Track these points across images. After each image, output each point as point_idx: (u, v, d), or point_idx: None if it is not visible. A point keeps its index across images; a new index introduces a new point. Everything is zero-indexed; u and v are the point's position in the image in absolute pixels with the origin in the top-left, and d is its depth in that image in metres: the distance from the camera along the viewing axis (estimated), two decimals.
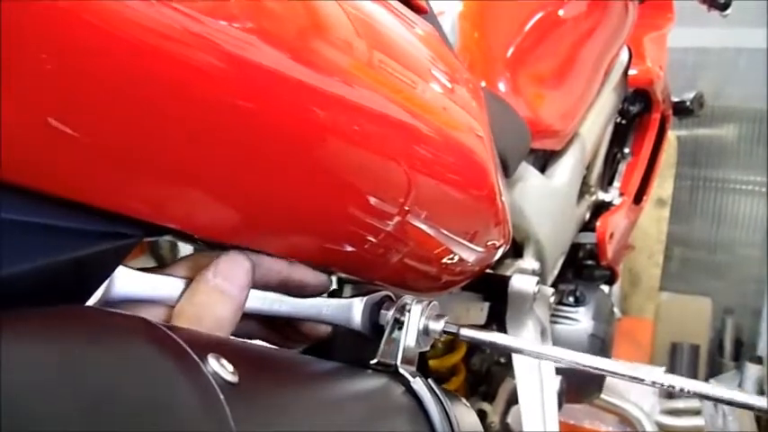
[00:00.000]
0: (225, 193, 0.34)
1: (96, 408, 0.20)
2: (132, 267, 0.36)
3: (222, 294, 0.37)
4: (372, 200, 0.40)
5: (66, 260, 0.30)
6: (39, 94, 0.25)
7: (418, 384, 0.41)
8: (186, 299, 0.37)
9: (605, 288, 1.43)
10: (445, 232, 0.48)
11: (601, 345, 1.15)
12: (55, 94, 0.26)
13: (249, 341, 0.38)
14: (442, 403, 0.41)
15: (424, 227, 0.46)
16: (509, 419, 0.85)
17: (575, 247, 1.34)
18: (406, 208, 0.43)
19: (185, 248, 0.46)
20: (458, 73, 0.47)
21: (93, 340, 0.23)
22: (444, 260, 0.53)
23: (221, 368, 0.26)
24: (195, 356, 0.25)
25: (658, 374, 0.45)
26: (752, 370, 2.76)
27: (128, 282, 0.36)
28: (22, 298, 0.28)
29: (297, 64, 0.32)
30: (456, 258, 0.52)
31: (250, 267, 0.39)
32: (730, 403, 0.43)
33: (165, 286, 0.38)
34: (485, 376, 1.07)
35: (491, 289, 0.76)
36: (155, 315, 0.37)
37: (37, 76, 0.25)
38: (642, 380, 0.44)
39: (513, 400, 1.00)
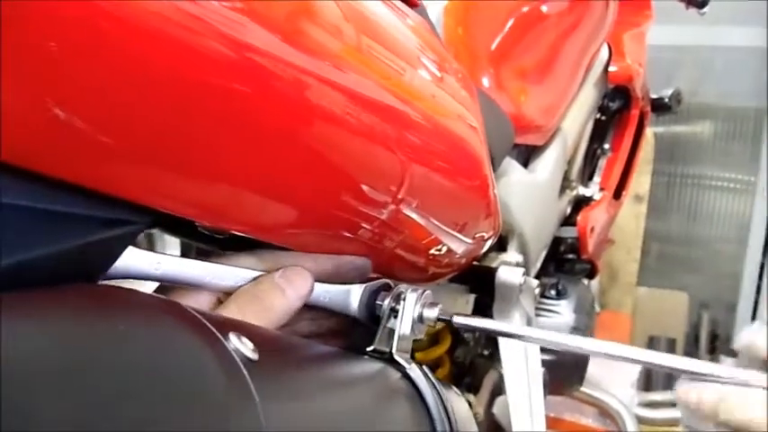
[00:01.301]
0: (220, 179, 0.35)
1: (121, 383, 0.21)
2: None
3: (282, 293, 0.41)
4: (365, 187, 0.41)
5: (70, 247, 0.30)
6: (43, 79, 0.26)
7: (415, 371, 0.42)
8: (250, 284, 0.42)
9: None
10: (437, 223, 0.49)
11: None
12: (59, 78, 0.26)
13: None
14: (437, 390, 0.42)
15: (416, 216, 0.46)
16: (494, 410, 0.86)
17: (556, 241, 1.36)
18: (400, 197, 0.44)
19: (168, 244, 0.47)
20: (448, 64, 0.48)
21: (117, 317, 0.24)
22: (434, 251, 0.54)
23: (243, 345, 0.27)
24: (218, 333, 0.26)
25: (649, 354, 0.46)
26: (727, 363, 2.81)
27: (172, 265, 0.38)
28: (27, 286, 0.28)
29: (288, 47, 0.32)
30: (446, 249, 0.53)
31: (312, 284, 0.43)
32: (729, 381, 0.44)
33: (216, 272, 0.41)
34: (469, 368, 1.08)
35: (477, 281, 0.77)
36: (201, 301, 0.41)
37: (40, 60, 0.25)
38: (637, 360, 0.44)
39: (497, 391, 1.01)
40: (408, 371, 0.43)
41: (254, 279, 0.42)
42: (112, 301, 0.25)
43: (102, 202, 0.31)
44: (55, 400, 0.18)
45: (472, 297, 0.79)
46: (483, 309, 0.85)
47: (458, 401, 0.46)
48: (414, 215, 0.46)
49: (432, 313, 0.45)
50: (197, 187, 0.34)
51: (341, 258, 0.46)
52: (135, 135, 0.29)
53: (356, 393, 0.36)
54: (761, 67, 2.74)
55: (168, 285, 0.41)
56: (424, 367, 0.44)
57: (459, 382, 1.07)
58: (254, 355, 0.27)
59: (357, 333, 0.48)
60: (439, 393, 0.42)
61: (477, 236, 0.55)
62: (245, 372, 0.25)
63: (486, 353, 1.11)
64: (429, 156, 0.44)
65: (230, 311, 0.40)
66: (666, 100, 1.79)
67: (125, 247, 0.35)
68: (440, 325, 0.47)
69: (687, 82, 2.73)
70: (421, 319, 0.45)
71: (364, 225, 0.44)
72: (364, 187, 0.41)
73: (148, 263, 0.37)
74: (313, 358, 0.36)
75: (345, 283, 0.46)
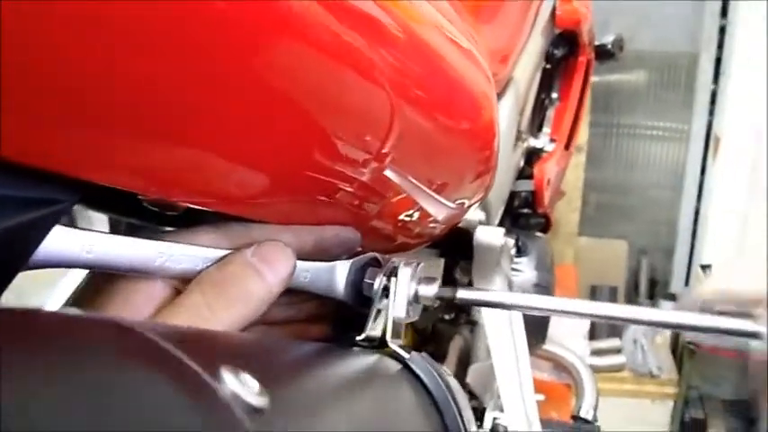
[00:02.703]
0: (167, 137, 0.27)
1: None
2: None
3: (258, 274, 0.33)
4: (345, 136, 0.33)
5: None
6: None
7: (417, 362, 0.35)
8: (215, 266, 0.33)
9: None
10: (426, 180, 0.41)
11: (545, 294, 1.12)
12: None
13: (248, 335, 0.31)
14: (441, 379, 0.36)
15: (402, 173, 0.39)
16: (468, 379, 0.81)
17: (510, 196, 1.31)
18: (384, 150, 0.35)
19: None
20: None
21: (53, 363, 0.16)
22: (414, 216, 0.47)
23: (243, 387, 0.18)
24: (203, 374, 0.17)
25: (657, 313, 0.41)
26: (666, 307, 2.88)
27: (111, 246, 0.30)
28: None
29: None
30: (430, 214, 0.46)
31: (294, 262, 0.35)
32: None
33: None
34: (431, 335, 1.03)
35: (447, 243, 0.71)
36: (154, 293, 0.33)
37: None
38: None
39: (463, 358, 0.96)
40: (409, 362, 0.36)
41: (221, 259, 0.33)
42: (24, 336, 0.17)
43: (16, 177, 0.23)
44: None
45: (442, 261, 0.73)
46: (451, 273, 0.79)
47: (453, 383, 0.40)
48: (399, 173, 0.38)
49: (429, 290, 0.38)
50: (138, 149, 0.26)
51: (323, 230, 0.38)
52: (53, 82, 0.21)
53: (368, 405, 0.29)
54: (696, 13, 2.76)
55: (105, 273, 0.32)
56: (425, 355, 0.37)
57: (424, 350, 1.02)
58: (260, 401, 0.18)
59: (339, 317, 0.40)
60: (445, 383, 0.36)
61: (468, 197, 0.48)
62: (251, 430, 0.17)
63: (447, 317, 1.05)
64: (425, 88, 0.35)
65: (194, 303, 0.32)
66: (609, 46, 1.75)
67: (47, 232, 0.27)
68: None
69: (623, 29, 2.72)
70: (416, 298, 0.38)
71: (344, 187, 0.36)
72: (344, 135, 0.33)
73: (78, 244, 0.29)
74: (317, 370, 0.28)
75: (327, 260, 0.38)
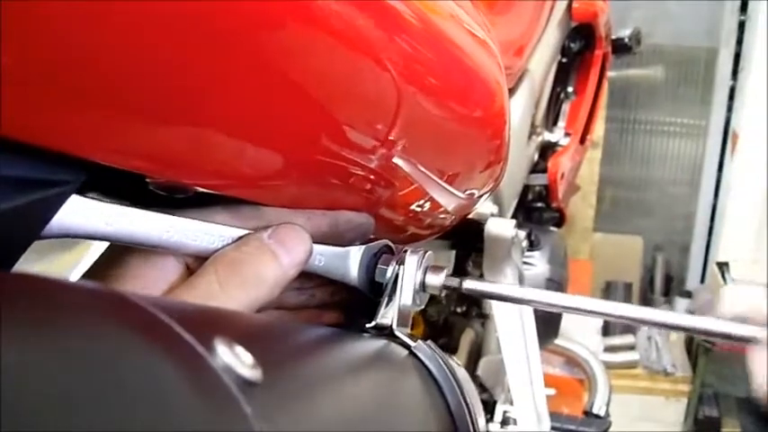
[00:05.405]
0: (175, 117, 0.26)
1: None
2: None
3: (273, 256, 0.33)
4: (349, 119, 0.32)
5: None
6: None
7: (422, 350, 0.36)
8: (231, 246, 0.33)
9: None
10: (432, 171, 0.41)
11: (557, 289, 1.12)
12: None
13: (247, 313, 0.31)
14: (448, 368, 0.35)
15: (409, 163, 0.38)
16: (479, 372, 0.81)
17: (524, 190, 1.31)
18: (391, 137, 0.35)
19: None
20: None
21: (43, 328, 0.16)
22: (424, 205, 0.47)
23: (236, 360, 0.18)
24: (197, 345, 0.17)
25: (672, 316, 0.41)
26: (681, 304, 2.86)
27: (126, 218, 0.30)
28: None
29: None
30: (441, 204, 0.46)
31: (310, 248, 0.35)
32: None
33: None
34: (443, 327, 1.03)
35: (458, 235, 0.71)
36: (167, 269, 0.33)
37: None
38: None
39: (475, 350, 0.96)
40: (415, 350, 0.36)
41: (237, 240, 0.33)
42: (17, 300, 0.16)
43: (18, 158, 0.23)
44: None
45: (453, 254, 0.73)
46: (463, 265, 0.79)
47: (459, 372, 0.40)
48: (407, 161, 0.38)
49: (436, 279, 0.38)
50: (151, 130, 0.26)
51: (337, 214, 0.38)
52: (58, 58, 0.21)
53: (371, 390, 0.29)
54: (715, 8, 2.73)
55: (120, 247, 0.33)
56: (431, 343, 0.37)
57: (435, 342, 1.01)
58: (253, 374, 0.18)
59: (352, 304, 0.40)
60: (451, 372, 0.36)
61: (478, 187, 0.47)
62: (244, 404, 0.17)
63: (459, 310, 1.05)
64: (433, 74, 0.35)
65: (208, 282, 0.32)
66: (626, 40, 1.74)
67: (52, 215, 0.27)
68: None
69: (642, 22, 2.69)
70: (423, 286, 0.38)
71: (354, 171, 0.35)
72: (350, 119, 0.32)
73: (98, 216, 0.29)
74: (316, 353, 0.28)
75: (341, 245, 0.38)
